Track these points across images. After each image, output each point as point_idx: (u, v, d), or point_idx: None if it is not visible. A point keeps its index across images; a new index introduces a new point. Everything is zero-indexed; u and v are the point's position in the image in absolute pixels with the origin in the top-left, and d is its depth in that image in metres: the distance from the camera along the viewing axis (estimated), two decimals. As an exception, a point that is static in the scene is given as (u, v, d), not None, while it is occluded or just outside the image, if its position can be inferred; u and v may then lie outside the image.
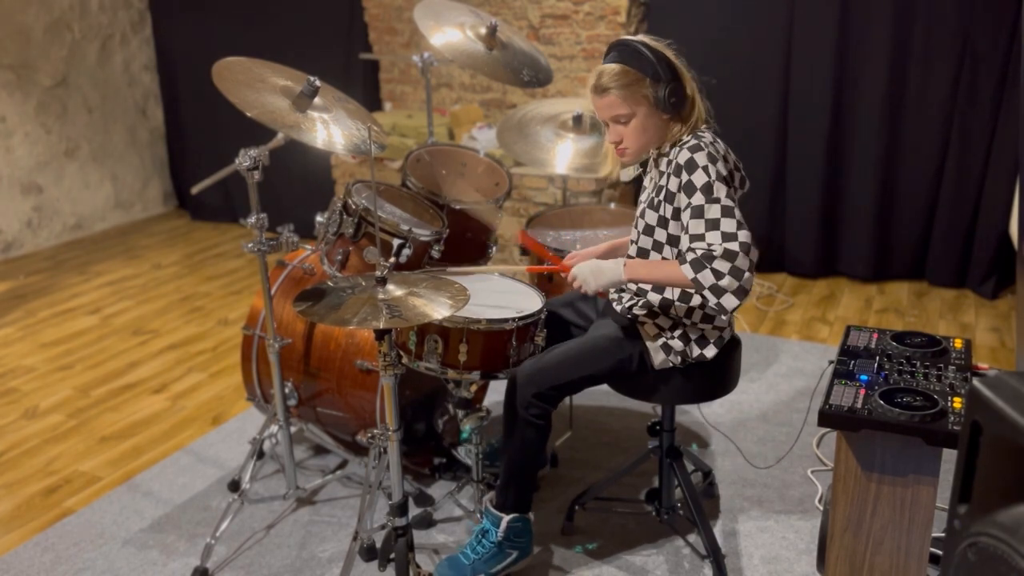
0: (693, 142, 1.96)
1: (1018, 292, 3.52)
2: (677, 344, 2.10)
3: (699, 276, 1.86)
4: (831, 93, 4.11)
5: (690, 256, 1.88)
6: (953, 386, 1.83)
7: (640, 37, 2.02)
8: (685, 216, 1.93)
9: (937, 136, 4.03)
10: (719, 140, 2.03)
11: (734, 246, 1.84)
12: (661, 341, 2.10)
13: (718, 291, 1.85)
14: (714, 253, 1.85)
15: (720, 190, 1.89)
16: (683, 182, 1.93)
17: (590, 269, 2.05)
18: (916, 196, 4.15)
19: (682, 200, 1.94)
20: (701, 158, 1.92)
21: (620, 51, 2.00)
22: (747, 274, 1.85)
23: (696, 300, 2.07)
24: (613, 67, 1.99)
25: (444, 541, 2.47)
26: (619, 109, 2.01)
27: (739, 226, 1.87)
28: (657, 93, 1.97)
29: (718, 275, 1.84)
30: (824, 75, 4.10)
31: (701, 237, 1.88)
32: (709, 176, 1.90)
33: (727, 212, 1.88)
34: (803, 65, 4.15)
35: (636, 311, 2.14)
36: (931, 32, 3.89)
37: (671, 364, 2.12)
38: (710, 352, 2.12)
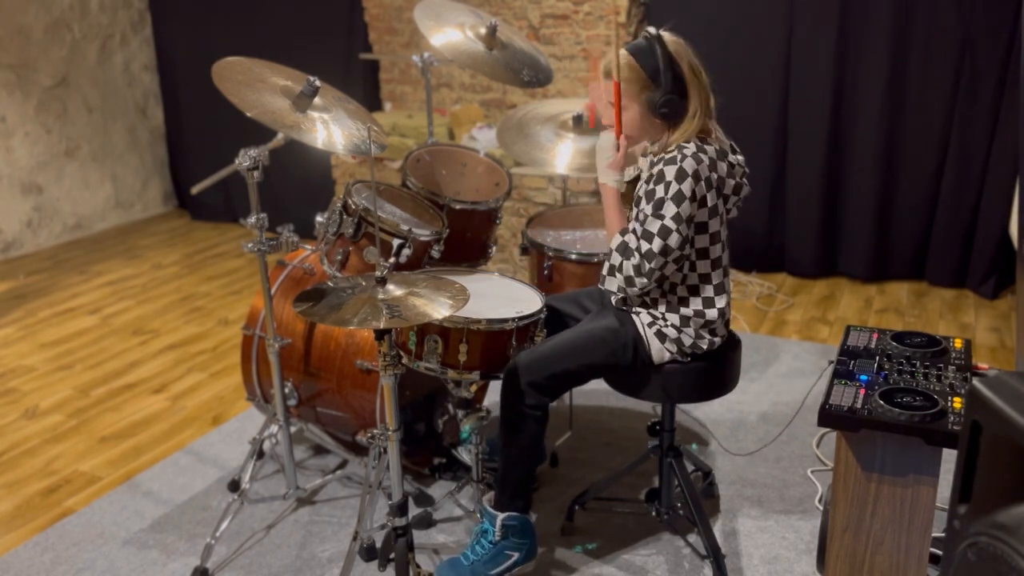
0: (672, 154, 1.97)
1: (1018, 292, 3.52)
2: (671, 332, 2.10)
3: (615, 250, 2.04)
4: (831, 93, 4.11)
5: (630, 239, 2.01)
6: (953, 386, 1.83)
7: (667, 36, 2.01)
8: (641, 217, 2.00)
9: (937, 136, 4.03)
10: (705, 152, 1.99)
11: (645, 266, 1.99)
12: (655, 329, 2.11)
13: (612, 271, 2.06)
14: (631, 253, 2.00)
15: (669, 209, 1.94)
16: (649, 190, 1.99)
17: (605, 147, 2.11)
18: (916, 196, 4.15)
19: (644, 205, 2.00)
20: (670, 172, 1.95)
21: (640, 44, 2.01)
22: (635, 289, 2.04)
23: (693, 303, 2.09)
24: (624, 56, 2.01)
25: (444, 541, 2.47)
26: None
27: (662, 251, 1.96)
28: (651, 97, 1.99)
29: (623, 269, 2.03)
30: (824, 75, 4.10)
31: (636, 235, 2.00)
32: (667, 192, 1.95)
33: (663, 232, 1.96)
34: (803, 65, 4.15)
35: (631, 301, 2.16)
36: (931, 32, 3.89)
37: (668, 354, 2.12)
38: (705, 343, 2.12)
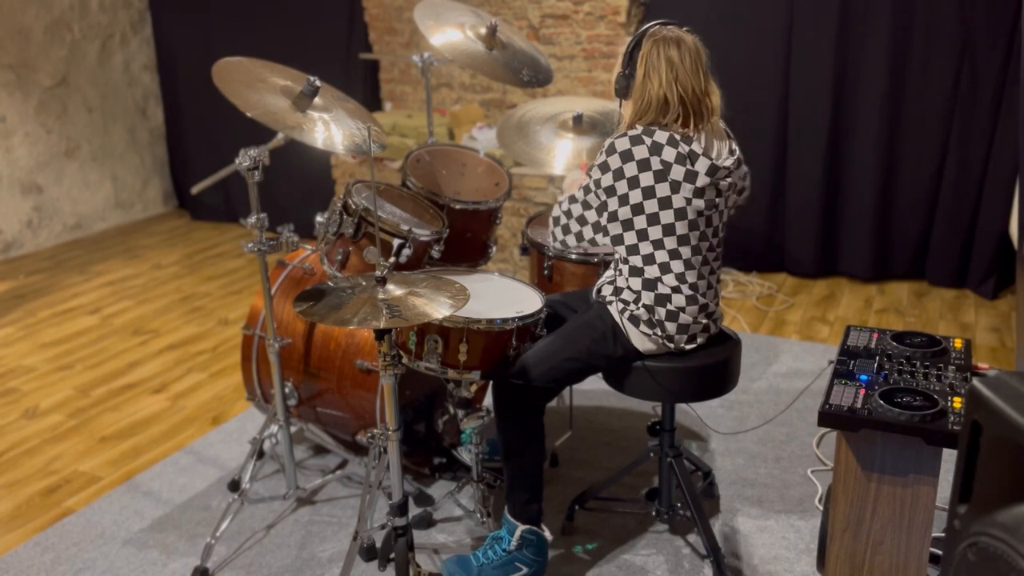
0: (637, 132, 2.02)
1: (1018, 292, 3.52)
2: (642, 313, 2.11)
3: (555, 209, 2.25)
4: (831, 93, 4.11)
5: (561, 207, 2.22)
6: (953, 386, 1.83)
7: (655, 29, 2.16)
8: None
9: (937, 136, 4.03)
10: (650, 135, 2.00)
11: (556, 211, 2.22)
12: (627, 314, 2.13)
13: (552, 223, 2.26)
14: (555, 215, 2.23)
15: (595, 173, 2.06)
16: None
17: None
18: (916, 196, 4.15)
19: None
20: (622, 143, 2.01)
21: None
22: (558, 230, 2.22)
23: (658, 282, 2.10)
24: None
25: (444, 541, 2.47)
26: None
27: (570, 197, 2.18)
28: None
29: (554, 223, 2.23)
30: (824, 75, 4.10)
31: (566, 199, 2.20)
32: (596, 160, 2.05)
33: (587, 189, 2.10)
34: (803, 65, 4.15)
35: (603, 290, 2.20)
36: (931, 32, 3.89)
37: (649, 341, 2.13)
38: (682, 331, 2.12)
